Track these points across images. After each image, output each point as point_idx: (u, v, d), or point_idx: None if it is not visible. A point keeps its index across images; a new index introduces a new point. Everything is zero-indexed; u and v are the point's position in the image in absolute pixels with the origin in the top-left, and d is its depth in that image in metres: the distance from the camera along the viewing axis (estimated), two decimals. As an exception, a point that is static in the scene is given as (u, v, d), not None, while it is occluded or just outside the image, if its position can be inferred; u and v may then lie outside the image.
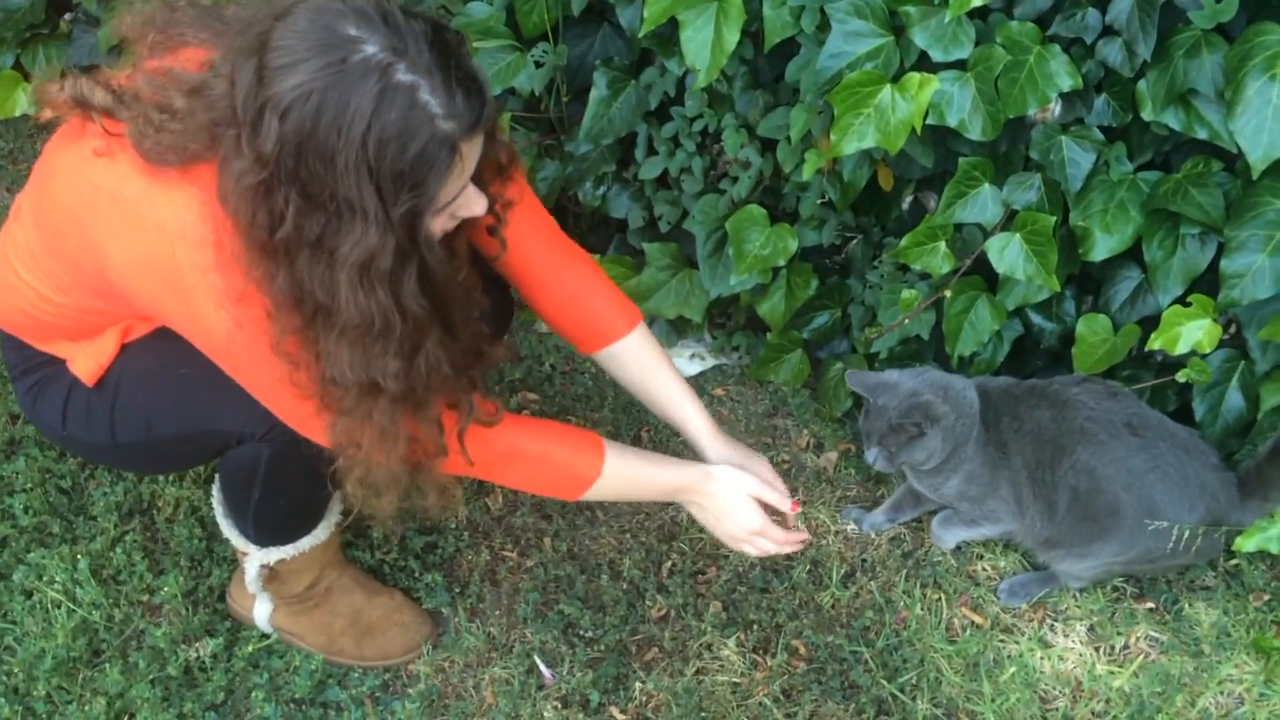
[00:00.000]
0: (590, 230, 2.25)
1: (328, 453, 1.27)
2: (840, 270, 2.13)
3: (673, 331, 2.22)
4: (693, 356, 2.22)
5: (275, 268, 1.11)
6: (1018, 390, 1.75)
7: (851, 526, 1.85)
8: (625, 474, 1.46)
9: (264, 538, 1.56)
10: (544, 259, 1.50)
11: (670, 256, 2.14)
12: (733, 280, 2.01)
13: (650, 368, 1.55)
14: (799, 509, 1.57)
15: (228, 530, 1.59)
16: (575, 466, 1.43)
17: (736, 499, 1.50)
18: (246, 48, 1.08)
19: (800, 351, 2.10)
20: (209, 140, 1.12)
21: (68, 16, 2.77)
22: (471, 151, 1.13)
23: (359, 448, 1.22)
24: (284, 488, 1.43)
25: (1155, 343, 1.62)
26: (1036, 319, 1.92)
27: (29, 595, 1.74)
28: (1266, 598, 1.71)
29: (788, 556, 1.80)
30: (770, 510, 1.51)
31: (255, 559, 1.59)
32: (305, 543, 1.57)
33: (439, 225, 1.19)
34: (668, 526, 1.86)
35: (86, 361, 1.38)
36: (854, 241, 2.07)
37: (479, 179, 1.23)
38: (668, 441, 2.01)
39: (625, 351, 1.54)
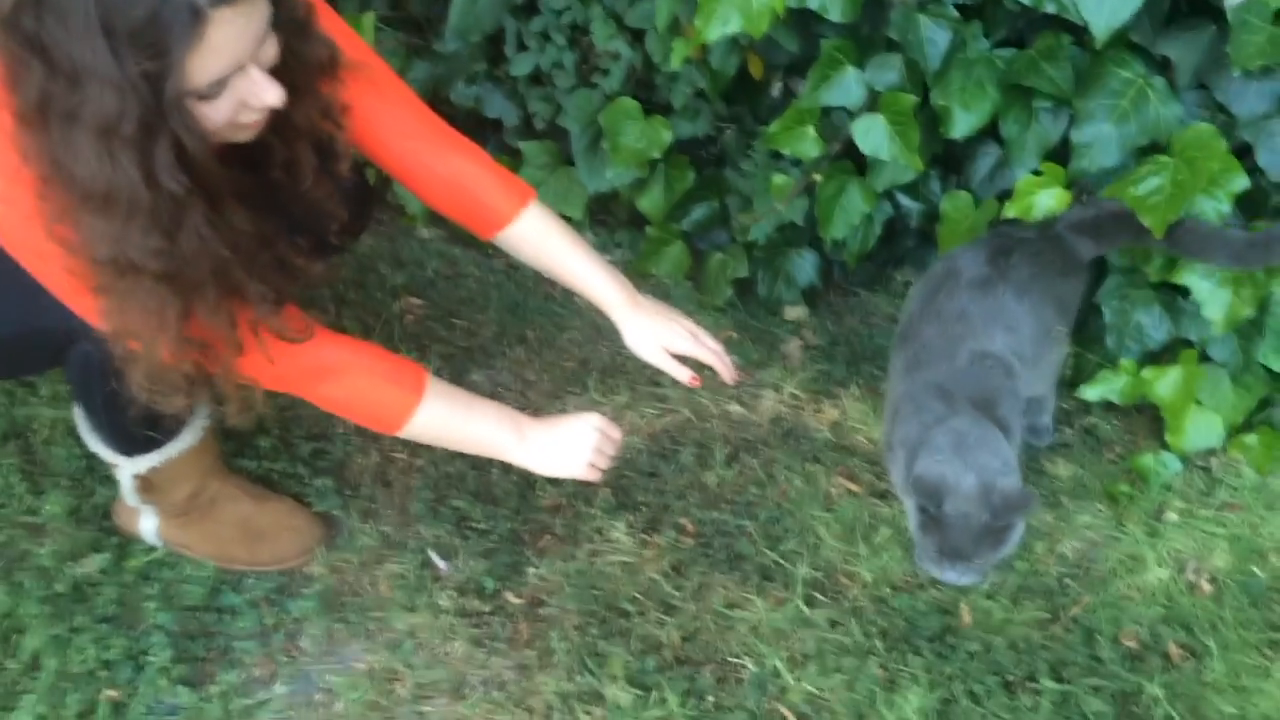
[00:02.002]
0: (465, 131, 2.17)
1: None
2: (716, 162, 2.15)
3: (554, 230, 2.23)
4: (575, 255, 2.23)
5: (33, 138, 1.08)
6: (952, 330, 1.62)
7: (736, 407, 1.91)
8: (448, 411, 1.43)
9: (127, 446, 1.54)
10: (419, 151, 1.46)
11: (547, 154, 2.13)
12: (610, 175, 2.03)
13: (549, 247, 1.51)
14: (699, 384, 1.56)
15: (92, 443, 1.56)
16: (394, 390, 1.39)
17: (562, 435, 1.47)
18: None
19: (680, 244, 2.13)
20: None
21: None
22: (232, 21, 1.07)
23: (133, 335, 1.18)
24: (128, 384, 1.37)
25: (1010, 211, 1.69)
26: (904, 200, 1.97)
27: (-95, 524, 1.70)
28: (1118, 449, 1.82)
29: (674, 440, 1.85)
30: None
31: (125, 469, 1.57)
32: (172, 449, 1.56)
33: (223, 110, 1.13)
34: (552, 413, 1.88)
35: None
36: (728, 131, 2.10)
37: (292, 78, 1.18)
38: (554, 339, 2.04)
39: (519, 235, 1.50)
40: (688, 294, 2.12)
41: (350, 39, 1.36)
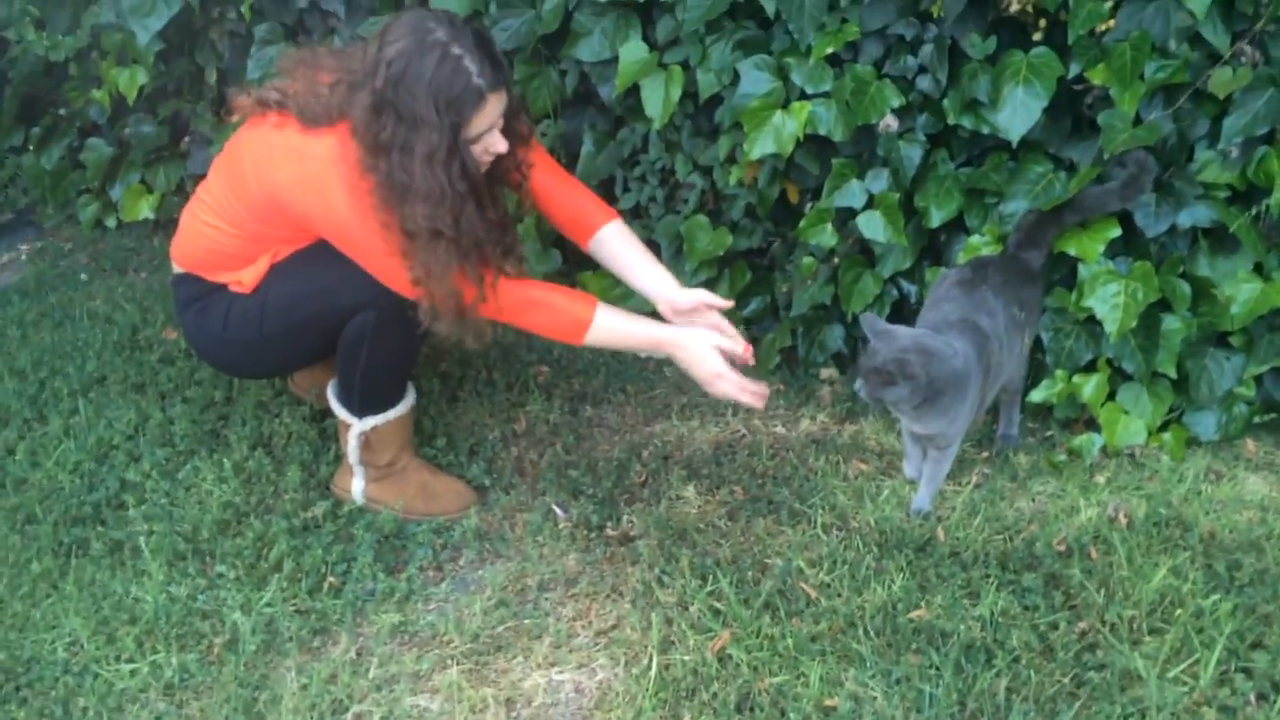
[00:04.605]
0: (580, 251, 3.03)
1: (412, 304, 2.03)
2: (768, 268, 2.90)
3: (648, 325, 2.98)
4: (664, 343, 2.97)
5: (378, 160, 1.93)
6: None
7: (780, 429, 2.55)
8: (616, 322, 2.14)
9: (364, 407, 2.28)
10: (553, 185, 2.30)
11: (643, 263, 2.91)
12: (688, 269, 2.79)
13: (625, 250, 2.28)
14: (750, 351, 2.21)
15: (337, 409, 2.31)
16: (574, 311, 2.13)
17: (704, 347, 2.14)
18: (374, 35, 1.95)
19: (742, 327, 2.85)
20: (343, 107, 1.96)
21: (186, 139, 3.66)
22: (494, 103, 1.95)
23: (428, 280, 1.98)
24: (385, 349, 2.13)
25: (962, 257, 2.39)
26: (905, 284, 2.67)
27: (189, 490, 2.44)
28: (1066, 448, 2.40)
29: (731, 446, 2.50)
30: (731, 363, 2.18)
31: (355, 429, 2.30)
32: (393, 413, 2.29)
33: (478, 150, 1.99)
34: (643, 432, 2.56)
35: (246, 276, 2.15)
36: (775, 244, 2.86)
37: (509, 140, 2.05)
38: (647, 391, 2.73)
39: (605, 239, 2.28)
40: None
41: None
